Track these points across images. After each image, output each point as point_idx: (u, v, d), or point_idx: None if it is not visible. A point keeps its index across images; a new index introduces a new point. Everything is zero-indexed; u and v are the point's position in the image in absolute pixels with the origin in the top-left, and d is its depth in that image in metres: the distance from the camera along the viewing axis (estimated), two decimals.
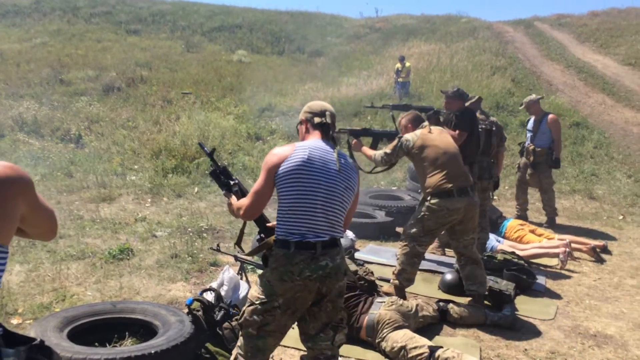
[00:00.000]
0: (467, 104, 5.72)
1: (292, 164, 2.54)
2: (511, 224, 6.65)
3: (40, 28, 22.99)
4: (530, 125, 7.60)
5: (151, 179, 8.37)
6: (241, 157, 9.90)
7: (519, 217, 7.61)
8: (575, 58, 19.63)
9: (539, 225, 7.29)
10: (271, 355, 3.55)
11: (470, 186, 4.40)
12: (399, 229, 6.80)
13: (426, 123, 4.70)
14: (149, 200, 7.54)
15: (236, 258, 4.67)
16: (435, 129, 4.60)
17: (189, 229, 6.12)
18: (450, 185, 4.27)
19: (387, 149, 4.61)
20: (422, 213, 4.39)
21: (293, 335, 3.88)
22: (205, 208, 7.23)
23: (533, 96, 7.63)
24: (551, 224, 7.42)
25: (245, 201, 2.69)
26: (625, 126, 12.86)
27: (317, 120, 2.76)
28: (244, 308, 2.65)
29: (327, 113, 2.78)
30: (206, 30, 25.14)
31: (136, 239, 5.74)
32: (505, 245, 6.07)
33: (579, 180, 9.97)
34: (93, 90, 14.84)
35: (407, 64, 15.83)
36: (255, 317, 2.58)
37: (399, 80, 15.66)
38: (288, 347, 3.70)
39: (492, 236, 6.07)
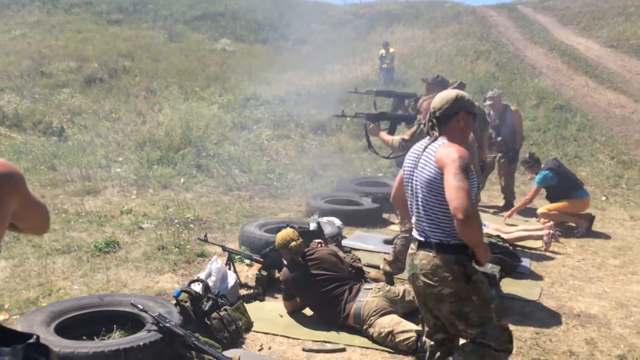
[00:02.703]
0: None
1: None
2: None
3: (19, 19, 22.58)
4: (491, 119, 7.50)
5: (136, 171, 8.32)
6: (227, 147, 9.86)
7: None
8: (558, 41, 19.75)
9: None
10: (260, 344, 3.59)
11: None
12: (386, 216, 6.84)
13: None
14: (135, 192, 7.49)
15: (224, 248, 4.68)
16: None
17: (176, 220, 6.10)
18: None
19: (406, 135, 4.42)
20: None
21: (281, 323, 3.94)
22: (191, 199, 7.21)
23: (495, 91, 7.77)
24: (509, 207, 7.43)
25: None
26: (607, 108, 12.98)
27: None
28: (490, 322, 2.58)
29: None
30: (189, 19, 24.89)
31: (122, 232, 5.71)
32: (490, 228, 6.12)
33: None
34: (75, 81, 14.65)
35: (391, 50, 15.82)
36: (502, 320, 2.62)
37: (383, 66, 15.67)
38: (277, 335, 3.73)
39: None
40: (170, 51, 19.04)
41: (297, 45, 22.26)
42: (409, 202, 2.73)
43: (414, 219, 2.69)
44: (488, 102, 7.45)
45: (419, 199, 2.62)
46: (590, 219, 6.57)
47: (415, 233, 2.68)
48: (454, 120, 2.61)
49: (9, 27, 21.37)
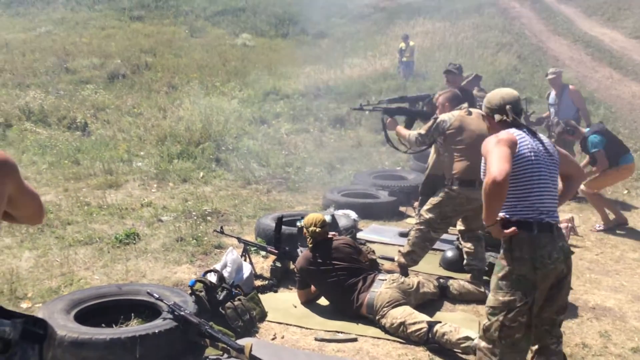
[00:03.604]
0: (463, 82, 5.70)
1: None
2: None
3: (44, 17, 22.99)
4: (551, 99, 7.59)
5: (157, 165, 8.46)
6: (246, 141, 9.94)
7: None
8: (582, 32, 19.40)
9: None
10: (274, 333, 3.66)
11: None
12: (403, 209, 6.85)
13: (465, 105, 4.49)
14: (155, 185, 7.63)
15: (239, 240, 4.77)
16: (474, 112, 4.39)
17: (194, 213, 6.21)
18: (472, 177, 4.05)
19: (422, 129, 4.42)
20: (441, 199, 4.36)
21: (295, 313, 4.00)
22: (210, 192, 7.32)
23: (555, 69, 7.71)
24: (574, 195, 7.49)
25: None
26: (632, 100, 12.74)
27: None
28: (496, 320, 2.64)
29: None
30: (209, 14, 25.03)
31: (142, 224, 5.83)
32: None
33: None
34: (98, 78, 14.89)
35: (411, 43, 15.72)
36: (520, 319, 2.60)
37: (403, 59, 15.57)
38: (290, 325, 3.79)
39: None
40: (191, 47, 19.21)
41: (317, 39, 22.25)
42: (534, 186, 2.67)
43: (546, 202, 2.68)
44: (550, 77, 7.47)
45: (555, 183, 2.76)
46: (621, 223, 6.38)
47: (550, 218, 2.66)
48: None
49: (34, 24, 21.78)
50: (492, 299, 2.69)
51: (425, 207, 4.51)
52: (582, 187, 6.34)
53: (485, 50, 17.12)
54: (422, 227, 4.49)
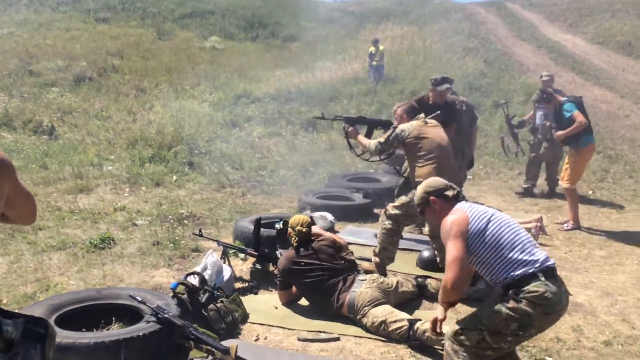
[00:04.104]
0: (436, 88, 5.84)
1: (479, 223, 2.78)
2: None
3: (6, 18, 22.39)
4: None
5: (128, 169, 8.35)
6: (218, 145, 9.90)
7: (526, 190, 8.09)
8: (545, 38, 19.96)
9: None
10: (257, 334, 3.67)
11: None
12: (377, 211, 6.93)
13: (422, 115, 4.70)
14: (127, 189, 7.53)
15: (218, 243, 4.76)
16: (431, 122, 4.65)
17: (170, 217, 6.16)
18: None
19: (382, 138, 4.63)
20: (409, 199, 4.47)
21: (276, 314, 4.02)
22: (184, 196, 7.26)
23: (549, 72, 7.93)
24: (552, 194, 7.91)
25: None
26: (594, 104, 13.16)
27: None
28: (479, 332, 2.68)
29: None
30: (177, 16, 24.78)
31: (117, 228, 5.76)
32: None
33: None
34: (64, 80, 14.60)
35: (381, 47, 15.90)
36: (502, 345, 2.66)
37: (373, 64, 15.74)
38: (272, 326, 3.81)
39: None
40: (159, 49, 19.00)
41: (287, 42, 22.29)
42: (515, 238, 2.77)
43: (534, 251, 2.77)
44: (545, 78, 7.76)
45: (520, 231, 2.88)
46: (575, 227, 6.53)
47: (549, 262, 2.73)
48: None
49: None
50: (487, 314, 2.69)
51: (393, 203, 4.62)
52: (563, 185, 6.54)
53: (453, 55, 17.46)
54: (387, 222, 4.62)
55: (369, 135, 5.17)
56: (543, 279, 2.61)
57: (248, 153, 9.90)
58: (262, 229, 4.97)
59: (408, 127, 4.54)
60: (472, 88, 14.06)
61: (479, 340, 2.68)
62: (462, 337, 2.72)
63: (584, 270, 5.14)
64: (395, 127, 4.59)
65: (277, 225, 4.86)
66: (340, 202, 6.82)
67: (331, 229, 5.59)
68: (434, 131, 4.55)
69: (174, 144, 9.43)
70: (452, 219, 2.76)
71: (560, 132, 6.42)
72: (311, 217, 5.11)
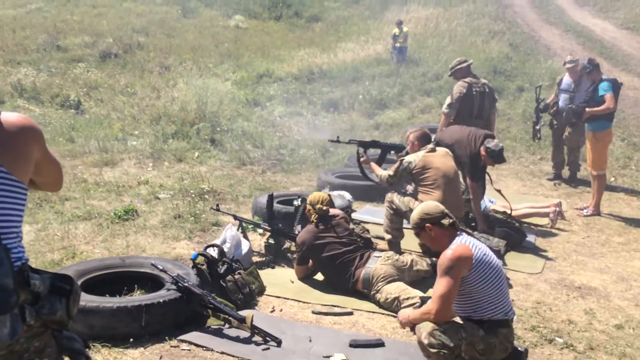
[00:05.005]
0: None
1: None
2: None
3: None
4: (566, 85, 7.53)
5: (152, 144, 8.50)
6: (240, 123, 10.01)
7: (556, 176, 7.96)
8: (574, 22, 19.54)
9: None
10: (272, 306, 3.78)
11: (459, 218, 4.57)
12: None
13: (431, 145, 4.82)
14: (151, 164, 7.69)
15: (235, 217, 4.87)
16: (440, 150, 4.78)
17: (191, 192, 6.29)
18: None
19: (391, 170, 4.77)
20: (410, 208, 4.48)
21: (292, 288, 4.12)
22: (206, 172, 7.39)
23: (578, 58, 7.72)
24: (573, 179, 7.77)
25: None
26: (621, 90, 12.90)
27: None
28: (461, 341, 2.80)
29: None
30: None
31: (140, 201, 5.91)
32: (497, 205, 6.24)
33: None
34: (90, 56, 14.80)
35: (405, 29, 15.75)
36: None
37: (396, 45, 15.61)
38: (288, 298, 3.92)
39: (485, 197, 6.24)
40: (184, 27, 19.08)
41: (311, 22, 22.17)
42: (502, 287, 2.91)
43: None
44: (568, 66, 7.47)
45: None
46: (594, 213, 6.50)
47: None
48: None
49: (25, 1, 21.48)
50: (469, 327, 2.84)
51: (400, 196, 4.68)
52: (592, 171, 6.50)
53: (478, 38, 17.20)
54: (390, 207, 4.73)
55: (382, 158, 5.33)
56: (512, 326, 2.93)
57: (269, 132, 9.99)
58: (280, 206, 5.08)
59: (414, 159, 4.67)
60: (497, 72, 13.87)
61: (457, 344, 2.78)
62: (442, 336, 2.81)
63: (600, 256, 5.14)
64: (402, 160, 4.73)
65: (295, 202, 4.96)
66: (359, 181, 6.87)
67: (349, 207, 5.66)
68: (441, 161, 4.67)
69: (196, 121, 9.55)
70: (455, 255, 2.79)
71: (589, 109, 6.41)
72: (329, 196, 5.20)
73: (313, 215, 4.26)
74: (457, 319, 2.92)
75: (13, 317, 1.40)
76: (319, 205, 4.24)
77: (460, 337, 2.78)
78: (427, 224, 2.97)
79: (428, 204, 3.15)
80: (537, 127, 7.84)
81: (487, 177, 5.54)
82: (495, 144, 5.10)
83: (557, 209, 5.98)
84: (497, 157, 5.14)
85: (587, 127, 6.51)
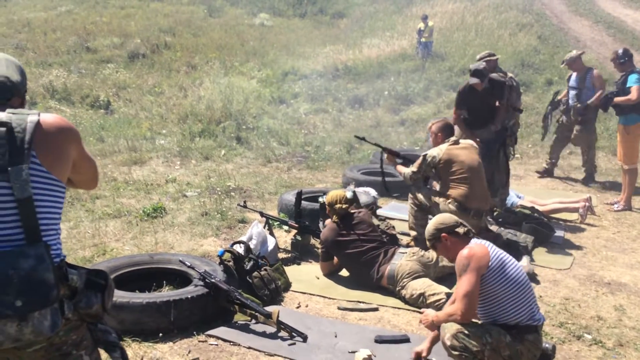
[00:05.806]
0: (481, 66, 5.78)
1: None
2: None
3: None
4: (573, 82, 7.36)
5: (179, 143, 8.64)
6: (266, 120, 10.09)
7: (546, 171, 7.76)
8: (604, 13, 19.09)
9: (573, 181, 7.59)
10: (298, 302, 3.81)
11: (485, 211, 4.58)
12: None
13: (453, 137, 4.75)
14: (178, 163, 7.81)
15: (262, 214, 4.92)
16: (464, 142, 4.70)
17: (218, 189, 6.38)
18: (469, 205, 4.41)
19: (414, 167, 4.72)
20: (433, 203, 4.53)
21: (318, 284, 4.15)
22: (232, 169, 7.48)
23: (574, 52, 7.48)
24: (589, 181, 7.51)
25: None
26: None
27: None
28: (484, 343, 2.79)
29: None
30: None
31: (168, 199, 6.02)
32: (525, 200, 6.16)
33: (603, 137, 9.89)
34: (119, 57, 15.08)
35: (430, 23, 15.63)
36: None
37: (421, 40, 15.50)
38: (313, 294, 3.95)
39: (512, 192, 6.17)
40: (209, 26, 19.28)
41: (335, 19, 22.18)
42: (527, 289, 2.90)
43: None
44: (565, 64, 7.31)
45: None
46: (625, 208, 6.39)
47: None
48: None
49: (55, 3, 21.97)
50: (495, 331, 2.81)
51: (426, 193, 4.66)
52: (623, 165, 6.38)
53: (505, 31, 16.95)
54: (414, 202, 4.73)
55: (405, 166, 5.23)
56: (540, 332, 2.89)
57: (294, 129, 10.04)
58: (305, 203, 5.11)
59: (438, 153, 4.59)
60: (524, 65, 13.68)
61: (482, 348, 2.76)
62: (465, 339, 2.79)
63: (631, 251, 5.04)
64: (425, 155, 4.65)
65: (320, 199, 4.98)
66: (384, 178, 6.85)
67: (374, 204, 5.66)
68: (465, 153, 4.58)
69: (222, 120, 9.67)
70: (471, 253, 2.81)
71: (617, 98, 6.29)
72: (354, 192, 5.21)
73: (334, 216, 4.27)
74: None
75: (53, 311, 1.47)
76: (338, 205, 4.24)
77: (485, 341, 2.75)
78: (443, 234, 2.99)
79: (441, 215, 3.18)
80: (546, 124, 7.68)
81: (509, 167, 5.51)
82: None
83: (587, 204, 5.88)
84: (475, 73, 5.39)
85: (619, 121, 6.41)
